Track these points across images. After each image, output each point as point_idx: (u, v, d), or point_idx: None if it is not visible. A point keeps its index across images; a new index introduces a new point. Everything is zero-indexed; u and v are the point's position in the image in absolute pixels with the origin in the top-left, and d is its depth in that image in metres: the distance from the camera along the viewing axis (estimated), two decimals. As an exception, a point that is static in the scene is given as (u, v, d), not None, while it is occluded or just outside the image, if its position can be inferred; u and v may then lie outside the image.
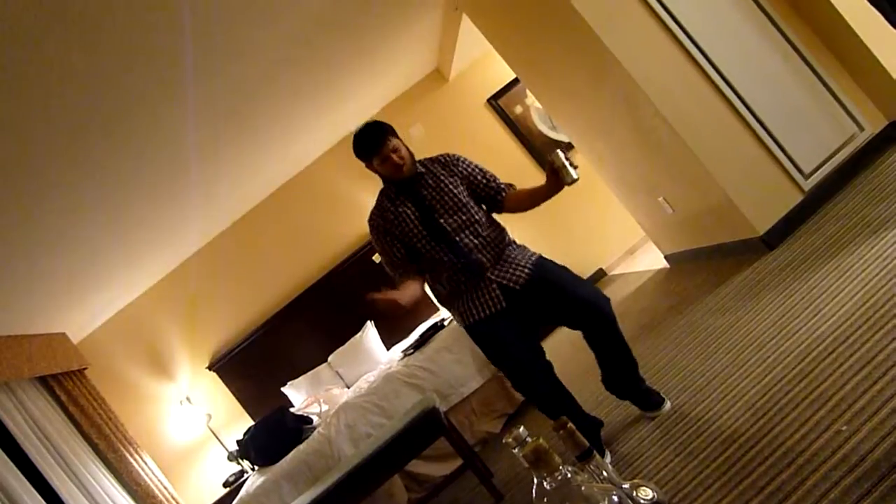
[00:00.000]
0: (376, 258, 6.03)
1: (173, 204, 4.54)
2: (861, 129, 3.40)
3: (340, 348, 5.66)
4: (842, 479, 1.45)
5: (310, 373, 5.58)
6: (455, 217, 2.48)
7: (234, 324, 5.93)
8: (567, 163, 2.22)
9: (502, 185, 2.58)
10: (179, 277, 5.84)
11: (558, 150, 2.23)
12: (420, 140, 5.91)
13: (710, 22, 3.38)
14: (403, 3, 4.42)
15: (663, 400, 2.49)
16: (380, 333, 5.73)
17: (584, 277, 5.95)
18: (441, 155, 2.62)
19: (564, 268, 2.50)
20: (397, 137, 2.51)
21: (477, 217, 2.51)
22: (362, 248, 6.00)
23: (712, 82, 3.34)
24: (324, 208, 6.07)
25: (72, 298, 4.75)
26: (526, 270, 2.45)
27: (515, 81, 6.05)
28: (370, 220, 2.59)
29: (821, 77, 3.40)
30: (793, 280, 2.73)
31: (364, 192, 6.05)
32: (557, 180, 2.26)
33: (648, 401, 2.51)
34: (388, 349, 5.64)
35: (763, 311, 2.63)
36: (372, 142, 2.46)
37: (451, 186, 2.52)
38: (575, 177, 2.22)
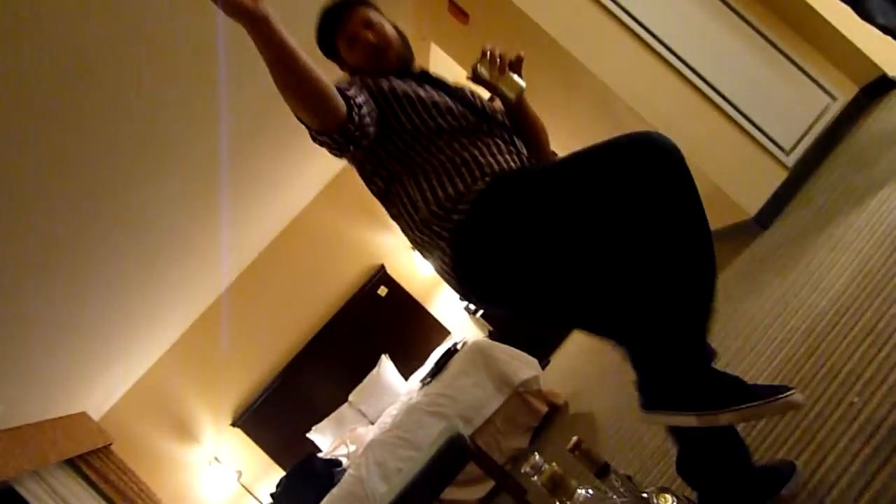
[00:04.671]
0: (381, 291, 6.08)
1: (173, 270, 4.60)
2: (833, 98, 3.47)
3: (359, 386, 5.69)
4: (860, 451, 1.48)
5: (333, 415, 5.60)
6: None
7: (251, 377, 5.96)
8: (485, 71, 1.68)
9: None
10: (190, 340, 5.88)
11: (476, 64, 1.69)
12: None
13: (665, 12, 3.46)
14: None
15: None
16: (396, 364, 5.76)
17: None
18: None
19: None
20: (376, 10, 1.77)
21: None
22: (367, 282, 6.06)
23: (680, 73, 3.41)
24: (323, 250, 6.13)
25: (88, 377, 4.79)
26: None
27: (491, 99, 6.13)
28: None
29: (785, 53, 3.47)
30: (789, 258, 2.77)
31: (362, 228, 6.12)
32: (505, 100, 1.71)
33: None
34: (406, 379, 5.67)
35: (765, 292, 2.67)
36: (331, 17, 1.73)
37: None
38: (523, 85, 1.73)
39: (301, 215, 6.17)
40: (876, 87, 3.44)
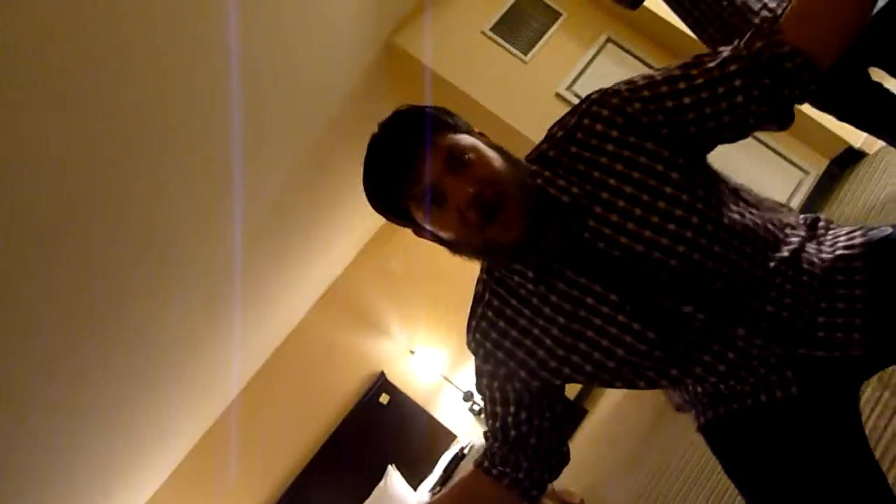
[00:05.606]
0: (383, 399, 5.97)
1: (172, 396, 4.53)
2: (806, 173, 3.59)
3: (367, 501, 5.47)
4: None
5: (342, 535, 5.37)
6: (699, 252, 0.94)
7: (256, 499, 5.75)
8: None
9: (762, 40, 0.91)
10: (190, 467, 5.70)
11: None
12: (401, 275, 6.05)
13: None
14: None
15: None
16: (403, 474, 5.58)
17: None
18: (565, 120, 1.05)
19: None
20: (462, 128, 1.00)
21: (736, 216, 0.97)
22: (368, 391, 5.97)
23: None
24: (321, 362, 6.07)
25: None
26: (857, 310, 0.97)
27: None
28: (473, 339, 1.10)
29: (755, 135, 3.63)
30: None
31: (359, 335, 6.09)
32: None
33: None
34: (415, 489, 5.47)
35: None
36: (395, 165, 0.95)
37: (650, 177, 0.97)
38: None
39: (297, 328, 6.15)
40: (845, 159, 3.57)
